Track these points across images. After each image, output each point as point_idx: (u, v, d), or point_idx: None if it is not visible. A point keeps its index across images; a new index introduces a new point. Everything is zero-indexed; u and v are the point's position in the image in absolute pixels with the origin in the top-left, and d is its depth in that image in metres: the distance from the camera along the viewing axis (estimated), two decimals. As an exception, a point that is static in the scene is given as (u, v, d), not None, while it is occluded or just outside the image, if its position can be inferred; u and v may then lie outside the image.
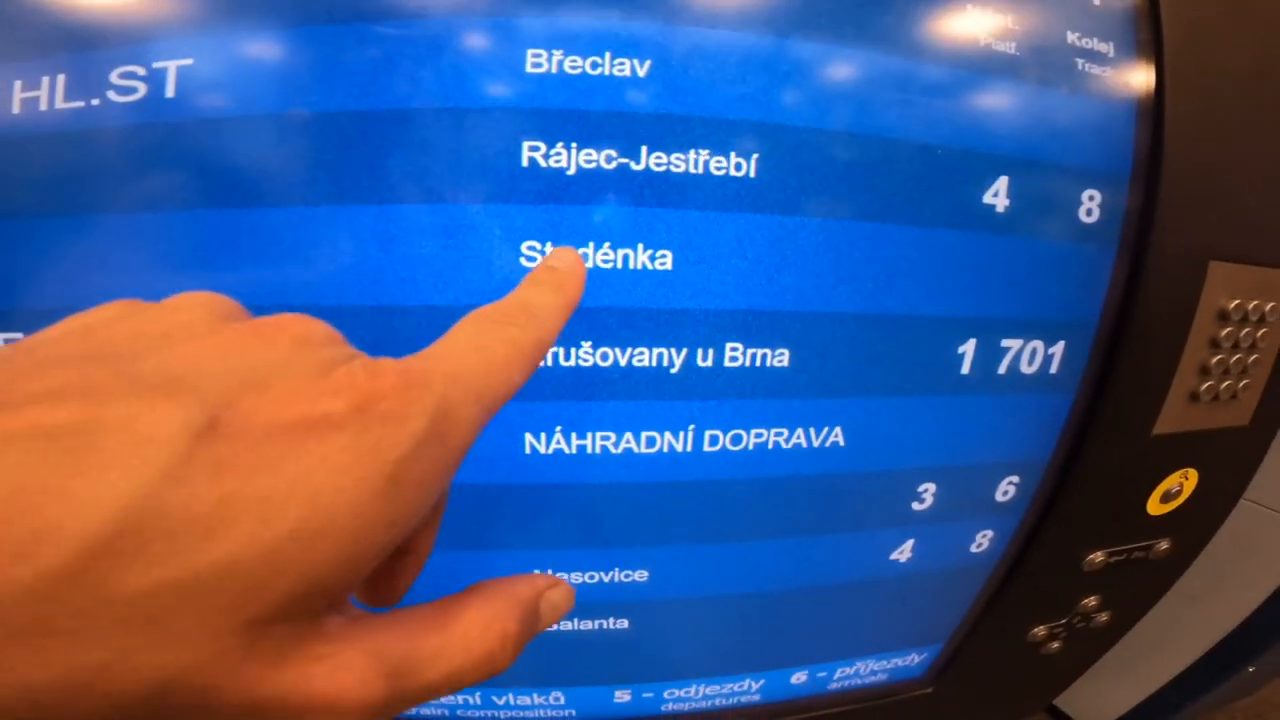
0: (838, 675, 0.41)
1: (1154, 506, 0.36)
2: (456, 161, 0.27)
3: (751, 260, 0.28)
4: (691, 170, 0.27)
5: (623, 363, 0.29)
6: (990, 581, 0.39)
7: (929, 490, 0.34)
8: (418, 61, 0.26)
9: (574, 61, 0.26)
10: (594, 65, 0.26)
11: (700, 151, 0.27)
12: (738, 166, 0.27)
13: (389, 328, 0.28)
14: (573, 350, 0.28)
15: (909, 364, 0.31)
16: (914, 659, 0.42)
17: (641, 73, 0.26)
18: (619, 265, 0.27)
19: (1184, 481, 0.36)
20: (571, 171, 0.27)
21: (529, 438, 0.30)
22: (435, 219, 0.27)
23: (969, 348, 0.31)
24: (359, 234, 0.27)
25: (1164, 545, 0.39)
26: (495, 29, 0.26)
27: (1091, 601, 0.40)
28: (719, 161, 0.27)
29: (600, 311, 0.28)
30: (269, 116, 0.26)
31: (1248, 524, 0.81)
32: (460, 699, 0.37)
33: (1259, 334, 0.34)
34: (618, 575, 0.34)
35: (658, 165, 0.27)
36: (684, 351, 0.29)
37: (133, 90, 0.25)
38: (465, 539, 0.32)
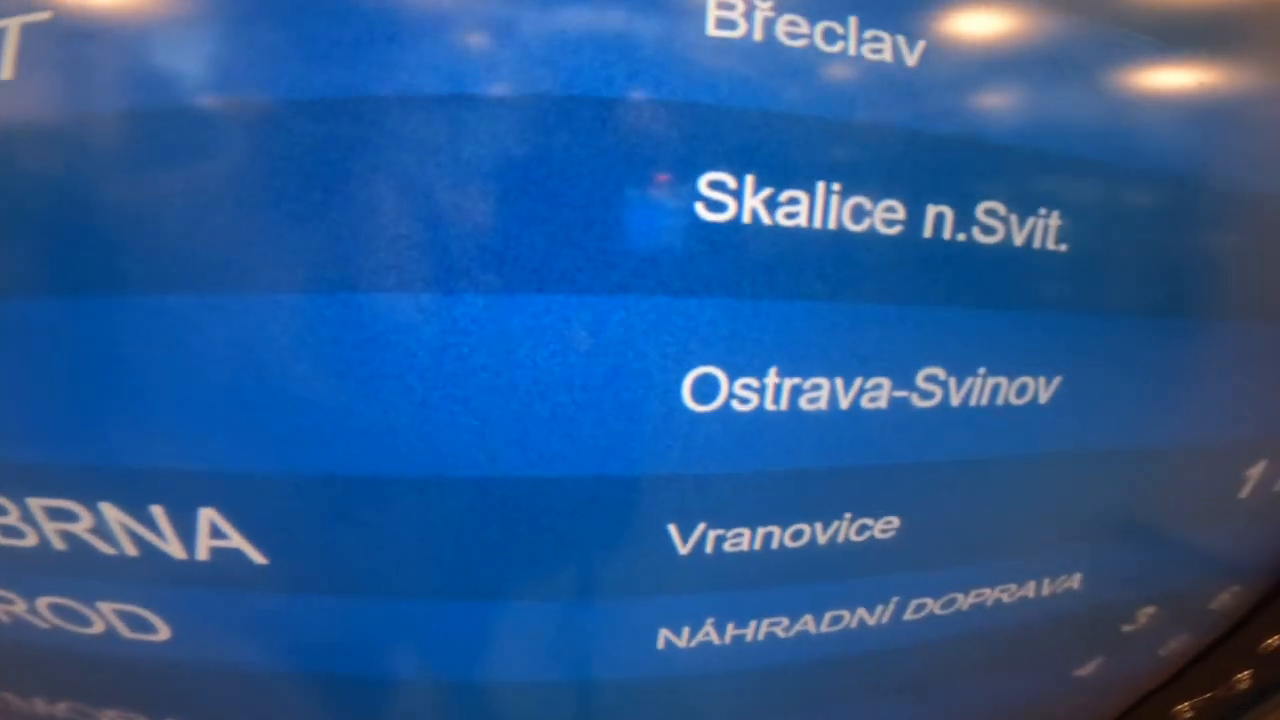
0: None
1: None
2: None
3: (1021, 387, 0.18)
4: (961, 238, 0.16)
5: (822, 540, 0.19)
6: (1159, 675, 0.33)
7: (1147, 614, 0.27)
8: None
9: (794, 23, 0.14)
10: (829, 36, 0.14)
11: (988, 206, 0.16)
12: (1039, 233, 0.16)
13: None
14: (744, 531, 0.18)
15: (1184, 499, 0.22)
16: (1046, 743, 0.37)
17: (911, 61, 0.14)
18: (853, 404, 0.16)
19: None
20: (779, 230, 0.15)
21: (666, 633, 0.20)
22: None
23: (1257, 471, 0.22)
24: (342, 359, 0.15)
25: None
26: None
27: (1243, 676, 0.36)
28: (1014, 223, 0.16)
29: (808, 474, 0.17)
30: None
31: None
32: None
33: None
34: None
35: (919, 227, 0.15)
36: (898, 518, 0.19)
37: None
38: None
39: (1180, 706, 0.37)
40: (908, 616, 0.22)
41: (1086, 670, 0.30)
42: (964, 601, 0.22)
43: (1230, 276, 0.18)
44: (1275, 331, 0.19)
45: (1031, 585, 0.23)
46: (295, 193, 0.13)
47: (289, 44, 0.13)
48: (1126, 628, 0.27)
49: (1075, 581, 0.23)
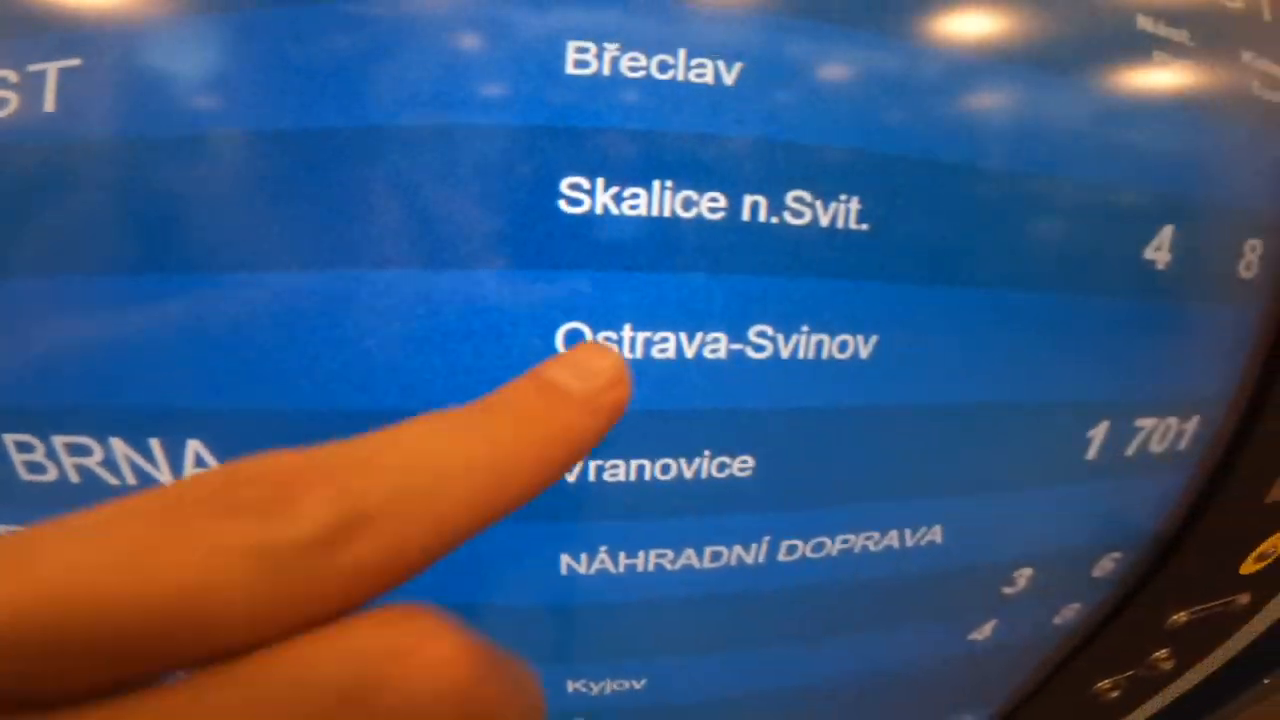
0: None
1: (1248, 567, 0.33)
2: (455, 206, 0.19)
3: (868, 345, 0.22)
4: (774, 220, 0.20)
5: (688, 474, 0.22)
6: (1062, 645, 0.35)
7: (1024, 575, 0.30)
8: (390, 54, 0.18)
9: (635, 58, 0.18)
10: (663, 67, 0.18)
11: (796, 194, 0.20)
12: (841, 215, 0.20)
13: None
14: (608, 464, 0.22)
15: (1030, 455, 0.25)
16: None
17: (729, 80, 0.19)
18: (696, 355, 0.20)
19: (1279, 542, 0.33)
20: (624, 218, 0.19)
21: (566, 559, 0.24)
22: (418, 287, 0.19)
23: (1100, 432, 0.26)
24: (308, 310, 0.19)
25: (1245, 599, 0.36)
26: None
27: (1163, 654, 0.38)
28: (845, 209, 0.20)
29: (659, 415, 0.21)
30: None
31: None
32: None
33: None
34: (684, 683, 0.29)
35: (738, 213, 0.20)
36: (751, 457, 0.23)
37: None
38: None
39: (1101, 683, 0.38)
40: (782, 558, 0.25)
41: (982, 634, 0.32)
42: (832, 546, 0.25)
43: (1013, 251, 0.21)
44: (1057, 299, 0.22)
45: (894, 535, 0.26)
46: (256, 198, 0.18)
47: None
48: (1007, 589, 0.30)
49: (937, 535, 0.26)
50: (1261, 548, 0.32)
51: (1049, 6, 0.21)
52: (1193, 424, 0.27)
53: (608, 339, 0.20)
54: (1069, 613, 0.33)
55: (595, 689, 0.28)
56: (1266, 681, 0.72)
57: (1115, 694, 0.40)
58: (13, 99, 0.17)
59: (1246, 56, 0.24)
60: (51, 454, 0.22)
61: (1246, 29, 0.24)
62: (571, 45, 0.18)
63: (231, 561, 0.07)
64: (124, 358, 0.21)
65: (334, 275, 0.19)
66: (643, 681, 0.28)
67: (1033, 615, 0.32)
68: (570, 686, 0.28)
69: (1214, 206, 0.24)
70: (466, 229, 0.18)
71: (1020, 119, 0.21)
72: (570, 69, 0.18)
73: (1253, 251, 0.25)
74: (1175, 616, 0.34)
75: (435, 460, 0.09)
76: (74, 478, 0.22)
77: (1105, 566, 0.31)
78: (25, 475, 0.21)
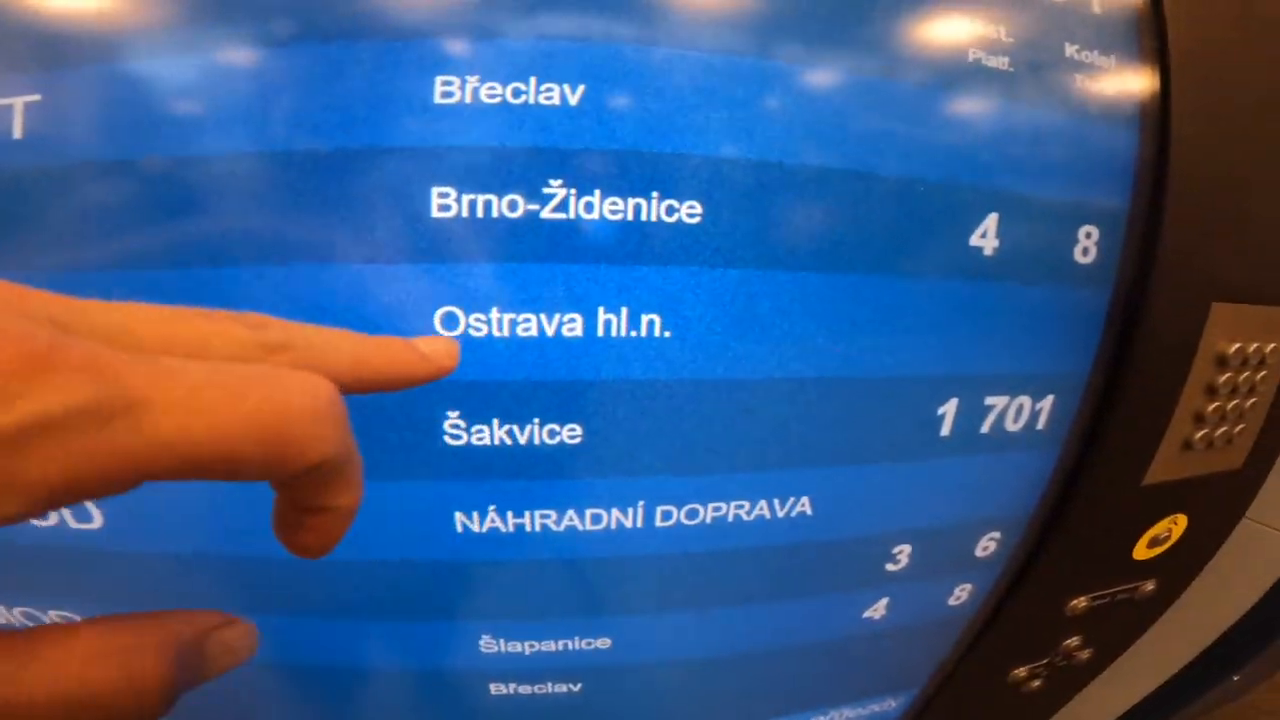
0: None
1: (1141, 552, 0.34)
2: (351, 212, 0.23)
3: (707, 323, 0.25)
4: (633, 218, 0.23)
5: (565, 440, 0.26)
6: (968, 630, 0.37)
7: (904, 552, 0.32)
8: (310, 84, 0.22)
9: (492, 87, 0.22)
10: (516, 93, 0.22)
11: (646, 195, 0.23)
12: (690, 212, 0.24)
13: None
14: (488, 428, 0.25)
15: (882, 429, 0.28)
16: (890, 704, 0.40)
17: (574, 100, 0.22)
18: (557, 333, 0.24)
19: (1173, 527, 0.34)
20: (491, 219, 0.23)
21: (460, 517, 0.27)
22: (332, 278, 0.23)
23: (950, 409, 0.28)
24: (231, 301, 0.23)
25: (1150, 586, 0.37)
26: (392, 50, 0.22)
27: (1074, 642, 0.39)
28: (669, 205, 0.23)
29: (537, 385, 0.25)
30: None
31: (1235, 537, 0.81)
32: None
33: (1258, 377, 0.31)
34: (580, 643, 0.32)
35: (588, 212, 0.23)
36: (624, 426, 0.26)
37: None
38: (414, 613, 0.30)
39: (1018, 671, 0.39)
40: (659, 524, 0.28)
41: (876, 613, 0.34)
42: (705, 513, 0.28)
43: (845, 237, 0.24)
44: (888, 281, 0.25)
45: (764, 505, 0.28)
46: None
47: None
48: (891, 566, 0.32)
49: (806, 506, 0.29)
50: (1153, 532, 0.34)
51: (878, 16, 0.25)
52: (1047, 403, 0.29)
53: (478, 319, 0.23)
54: (963, 594, 0.34)
55: (498, 646, 0.30)
56: (1236, 679, 0.70)
57: (1037, 683, 0.41)
58: None
59: (1070, 49, 0.26)
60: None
61: (1070, 22, 0.26)
62: (438, 79, 0.22)
63: None
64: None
65: (244, 270, 0.23)
66: (536, 645, 0.30)
67: (925, 595, 0.34)
68: (483, 642, 0.31)
69: (1039, 197, 0.26)
70: (364, 234, 0.22)
71: (848, 120, 0.24)
72: (438, 99, 0.22)
73: (1088, 238, 0.27)
74: (1074, 602, 0.35)
75: (334, 335, 0.13)
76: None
77: (987, 547, 0.32)
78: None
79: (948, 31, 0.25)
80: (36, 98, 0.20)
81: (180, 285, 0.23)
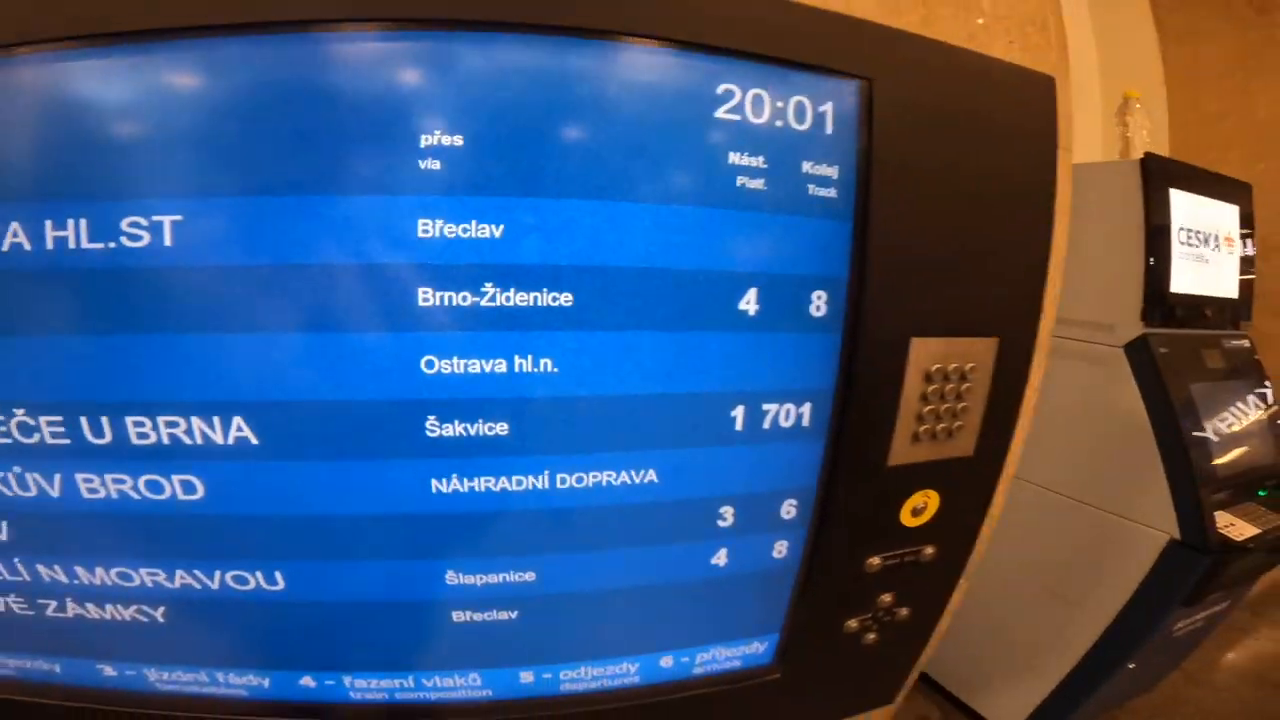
0: (699, 660, 0.53)
1: (907, 519, 0.48)
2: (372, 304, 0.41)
3: (582, 363, 0.42)
4: (532, 304, 0.41)
5: (498, 433, 0.43)
6: (797, 582, 0.50)
7: (729, 511, 0.47)
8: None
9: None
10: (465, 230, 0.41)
11: (539, 290, 0.41)
12: (565, 300, 0.42)
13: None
14: (452, 426, 0.42)
15: (698, 425, 0.44)
16: (758, 647, 0.53)
17: (498, 235, 0.41)
18: (493, 370, 0.41)
19: (927, 500, 0.48)
20: (449, 308, 0.41)
21: (435, 482, 0.44)
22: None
23: (739, 412, 0.44)
24: (312, 360, 0.41)
25: (929, 550, 0.50)
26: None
27: (887, 598, 0.52)
28: (553, 295, 0.41)
29: (481, 401, 0.42)
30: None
31: (1107, 533, 0.92)
32: (396, 683, 0.50)
33: (963, 387, 0.46)
34: (511, 577, 0.47)
35: (527, 301, 0.41)
36: (537, 422, 0.43)
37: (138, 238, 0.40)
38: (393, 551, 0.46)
39: (849, 623, 0.52)
40: (558, 486, 0.44)
41: (720, 560, 0.48)
42: (588, 479, 0.44)
43: (660, 310, 0.42)
44: (690, 335, 0.42)
45: (625, 474, 0.44)
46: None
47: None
48: (721, 523, 0.47)
49: (653, 475, 0.44)
50: (911, 503, 0.48)
51: (677, 162, 0.43)
52: (807, 409, 0.45)
53: (445, 362, 0.41)
54: (782, 548, 0.49)
55: (459, 579, 0.46)
56: (1132, 666, 0.79)
57: (871, 636, 0.53)
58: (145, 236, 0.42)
59: (806, 165, 0.44)
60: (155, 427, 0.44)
61: (807, 144, 0.44)
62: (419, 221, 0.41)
63: None
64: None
65: (279, 336, 0.41)
66: (484, 578, 0.46)
67: (753, 547, 0.48)
68: (450, 576, 0.46)
69: (783, 274, 0.43)
70: (380, 317, 0.41)
71: (655, 233, 0.42)
72: (419, 234, 0.41)
73: (820, 299, 0.44)
74: (870, 560, 0.49)
75: None
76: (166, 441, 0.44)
77: (789, 510, 0.47)
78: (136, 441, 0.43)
79: (716, 165, 0.43)
80: (179, 218, 0.39)
81: (290, 344, 0.41)
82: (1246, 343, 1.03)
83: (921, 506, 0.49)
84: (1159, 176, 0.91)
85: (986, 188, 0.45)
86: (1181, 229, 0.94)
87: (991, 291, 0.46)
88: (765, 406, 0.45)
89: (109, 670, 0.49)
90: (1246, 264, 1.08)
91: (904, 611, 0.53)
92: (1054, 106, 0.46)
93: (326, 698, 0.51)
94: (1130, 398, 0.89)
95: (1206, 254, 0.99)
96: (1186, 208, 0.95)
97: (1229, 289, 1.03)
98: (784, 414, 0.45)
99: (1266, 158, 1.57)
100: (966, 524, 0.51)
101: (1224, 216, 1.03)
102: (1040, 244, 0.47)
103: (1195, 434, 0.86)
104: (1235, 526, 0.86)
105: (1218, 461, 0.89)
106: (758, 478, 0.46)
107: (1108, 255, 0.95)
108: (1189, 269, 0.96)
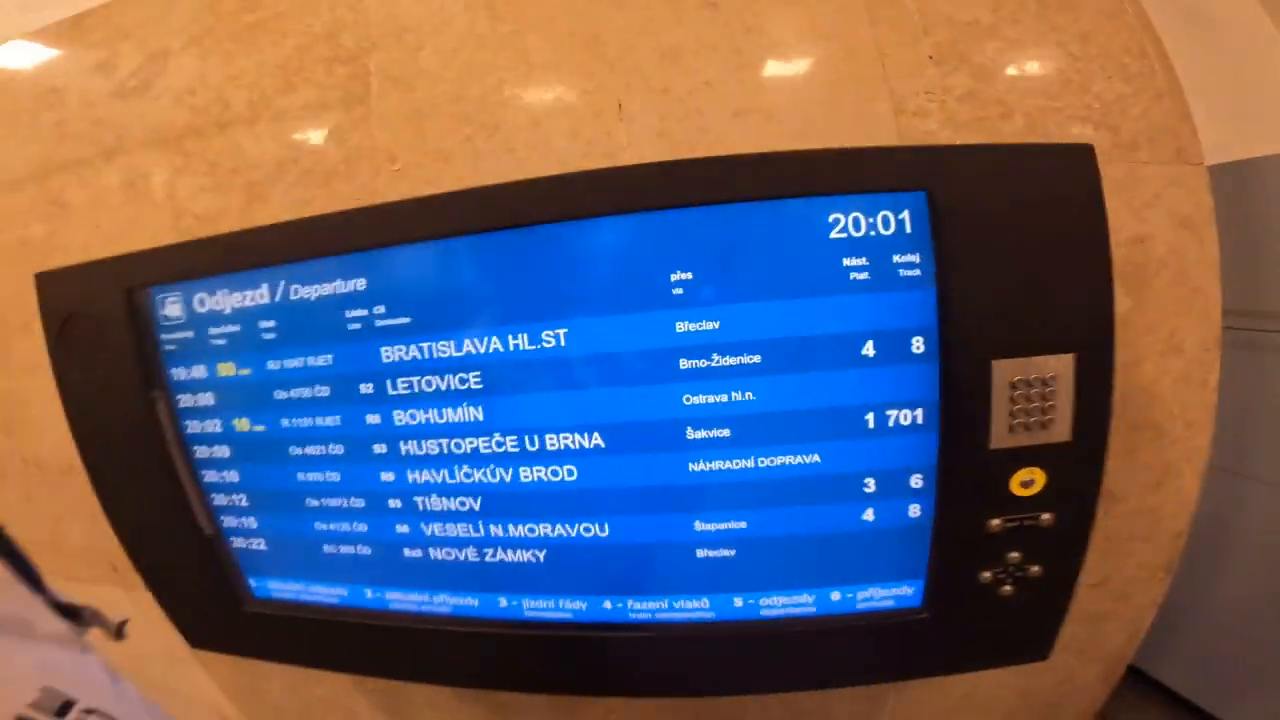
0: (860, 597, 0.73)
1: (1017, 489, 0.64)
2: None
3: (778, 392, 0.70)
4: (744, 363, 0.71)
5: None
6: (932, 538, 0.69)
7: (871, 482, 0.69)
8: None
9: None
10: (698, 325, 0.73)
11: (744, 355, 0.71)
12: (758, 359, 0.71)
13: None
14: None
15: (842, 426, 0.68)
16: (907, 590, 0.72)
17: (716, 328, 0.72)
18: (735, 399, 0.72)
19: (1034, 475, 0.63)
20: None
21: (690, 464, 0.75)
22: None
23: (870, 417, 0.67)
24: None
25: (1047, 516, 0.64)
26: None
27: (1015, 555, 0.67)
28: (750, 358, 0.71)
29: (728, 410, 0.73)
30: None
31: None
32: (660, 603, 0.80)
33: (1047, 390, 0.62)
34: (732, 525, 0.75)
35: (737, 361, 0.72)
36: (752, 427, 0.72)
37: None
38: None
39: (984, 574, 0.68)
40: (761, 465, 0.71)
41: (868, 516, 0.69)
42: (779, 461, 0.70)
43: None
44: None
45: (800, 457, 0.69)
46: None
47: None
48: (866, 490, 0.68)
49: (817, 458, 0.69)
50: (1018, 476, 0.64)
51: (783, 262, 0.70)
52: (919, 412, 0.65)
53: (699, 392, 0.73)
54: (916, 509, 0.68)
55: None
56: None
57: (1008, 588, 0.68)
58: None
59: (895, 257, 0.67)
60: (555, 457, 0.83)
61: (894, 242, 0.67)
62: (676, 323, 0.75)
63: None
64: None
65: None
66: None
67: (894, 509, 0.69)
68: (698, 524, 0.76)
69: (890, 329, 0.66)
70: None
71: (801, 316, 0.69)
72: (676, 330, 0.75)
73: (918, 341, 0.65)
74: (991, 521, 0.65)
75: None
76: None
77: (917, 481, 0.67)
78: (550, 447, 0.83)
79: (836, 265, 0.69)
80: (566, 329, 0.78)
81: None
82: None
83: (1030, 480, 0.64)
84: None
85: (1035, 245, 0.62)
86: None
87: (1056, 321, 0.62)
88: (888, 412, 0.67)
89: (503, 602, 0.89)
90: None
91: (1035, 569, 0.67)
92: (1093, 169, 0.61)
93: (615, 618, 0.84)
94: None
95: None
96: None
97: None
98: (902, 416, 0.67)
99: None
100: (1084, 498, 0.65)
101: None
102: (1096, 277, 0.61)
103: None
104: None
105: None
106: (888, 459, 0.68)
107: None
108: None
